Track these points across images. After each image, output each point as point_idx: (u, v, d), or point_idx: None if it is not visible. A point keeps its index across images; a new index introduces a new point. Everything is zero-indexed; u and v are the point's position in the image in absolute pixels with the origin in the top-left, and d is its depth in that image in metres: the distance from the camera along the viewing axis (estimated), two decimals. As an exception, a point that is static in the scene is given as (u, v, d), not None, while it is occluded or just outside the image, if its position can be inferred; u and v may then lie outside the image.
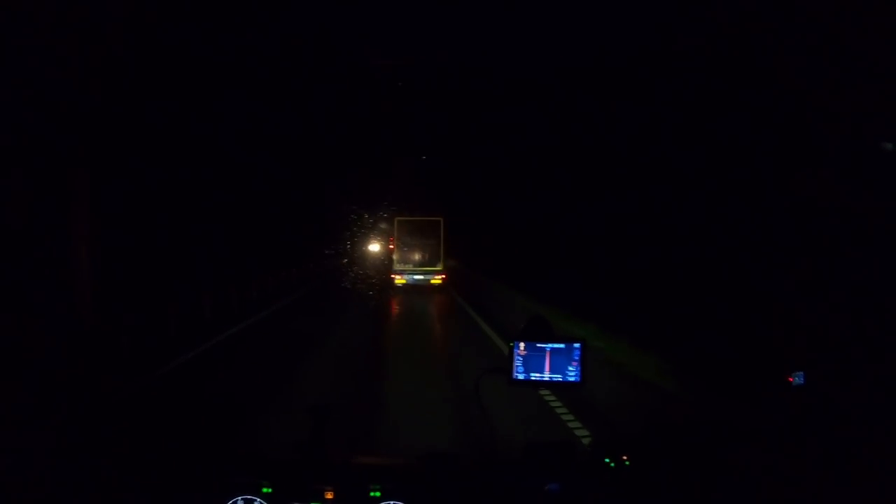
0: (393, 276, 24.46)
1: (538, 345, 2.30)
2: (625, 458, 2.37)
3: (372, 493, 2.15)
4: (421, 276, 24.73)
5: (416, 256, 25.10)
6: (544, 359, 2.30)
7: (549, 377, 2.30)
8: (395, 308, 19.97)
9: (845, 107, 2.53)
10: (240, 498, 2.15)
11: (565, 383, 2.32)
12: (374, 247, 26.31)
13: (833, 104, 2.57)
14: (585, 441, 5.84)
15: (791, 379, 2.60)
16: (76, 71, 1.94)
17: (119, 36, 1.98)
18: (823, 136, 2.75)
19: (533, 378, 2.31)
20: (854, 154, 2.75)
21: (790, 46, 2.24)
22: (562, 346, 2.28)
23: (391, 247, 24.63)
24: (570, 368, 2.29)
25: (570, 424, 6.82)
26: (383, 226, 25.17)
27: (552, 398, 7.16)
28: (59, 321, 2.11)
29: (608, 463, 2.35)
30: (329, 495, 2.14)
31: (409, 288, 24.69)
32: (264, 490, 2.14)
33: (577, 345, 2.28)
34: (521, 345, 2.31)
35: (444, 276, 24.52)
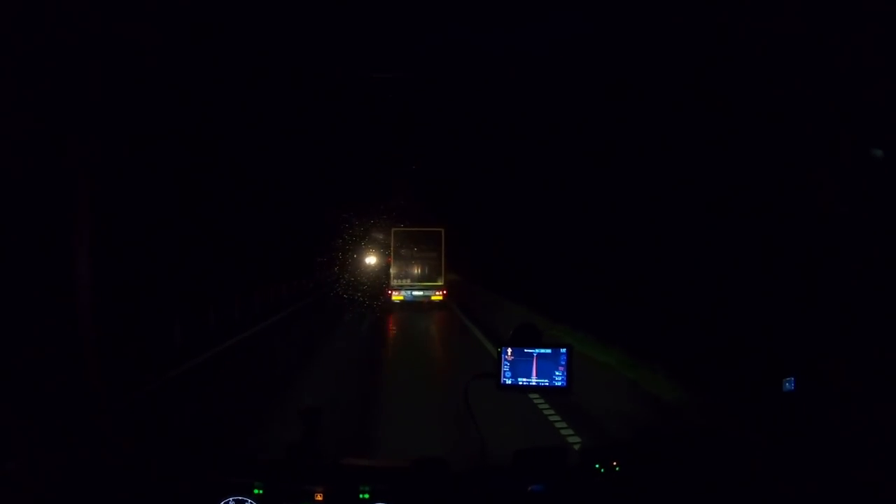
0: (389, 291, 22.60)
1: (525, 350, 2.39)
2: (615, 463, 2.44)
3: (361, 495, 2.21)
4: (420, 292, 22.83)
5: (415, 270, 23.24)
6: (531, 364, 2.39)
7: (537, 382, 2.39)
8: (392, 331, 17.98)
9: (835, 112, 2.61)
10: (231, 498, 2.22)
11: (552, 388, 2.40)
12: (371, 259, 24.47)
13: (822, 110, 2.65)
14: (577, 447, 5.79)
15: (782, 384, 2.67)
16: (80, 71, 2.03)
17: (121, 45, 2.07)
18: (814, 141, 2.84)
19: (521, 383, 2.39)
20: (845, 160, 2.83)
21: (778, 50, 2.33)
22: (548, 351, 2.36)
23: (390, 259, 23.13)
24: (557, 373, 2.38)
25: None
26: (380, 236, 23.61)
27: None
28: (57, 324, 2.18)
29: (598, 468, 2.42)
30: (319, 496, 2.21)
31: (407, 305, 22.74)
32: (255, 491, 2.21)
33: (563, 350, 2.37)
34: (509, 350, 2.40)
35: (444, 292, 22.80)
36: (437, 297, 22.78)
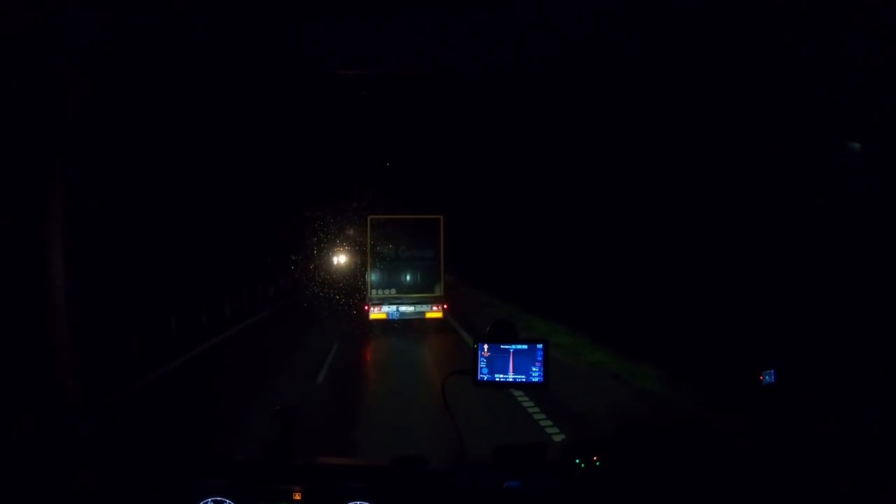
0: (367, 307, 17.08)
1: (502, 346, 2.45)
2: (595, 458, 2.49)
3: (339, 494, 2.25)
4: (410, 307, 17.08)
5: (403, 277, 17.54)
6: (508, 360, 2.45)
7: (514, 378, 2.46)
8: (371, 379, 12.80)
9: (812, 107, 2.68)
10: (210, 499, 2.28)
11: (529, 383, 2.44)
12: (341, 260, 19.72)
13: (799, 104, 2.72)
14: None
15: (762, 377, 2.73)
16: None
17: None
18: (791, 134, 2.89)
19: (497, 379, 2.45)
20: (822, 154, 2.89)
21: (756, 44, 2.39)
22: (524, 347, 2.41)
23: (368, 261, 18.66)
24: (534, 369, 2.44)
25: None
26: (353, 233, 19.22)
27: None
28: (32, 326, 2.23)
29: (578, 464, 2.46)
30: (297, 496, 2.26)
31: (392, 329, 17.69)
32: (234, 491, 2.24)
33: (539, 346, 2.44)
34: (486, 346, 2.45)
35: (445, 306, 17.27)
36: (435, 313, 17.14)
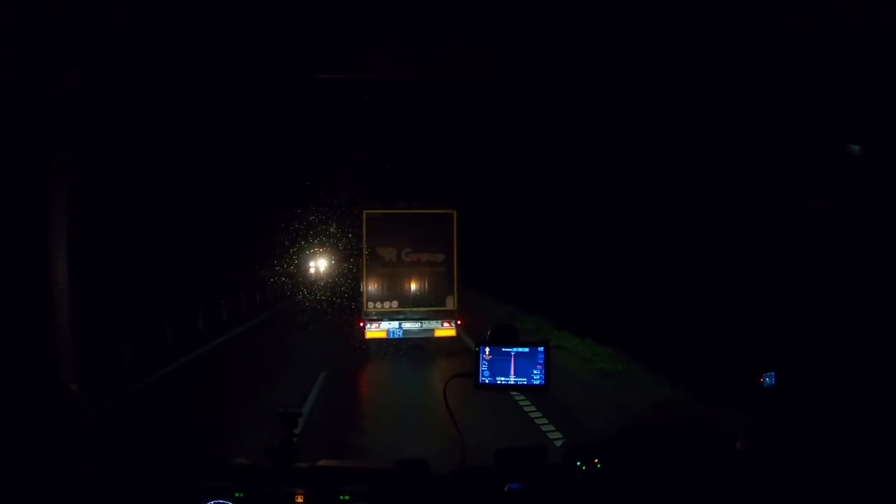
0: (362, 323, 14.49)
1: (503, 349, 2.47)
2: (596, 461, 2.51)
3: (342, 497, 2.28)
4: (416, 324, 14.21)
5: (408, 285, 14.66)
6: (509, 363, 2.47)
7: (515, 381, 2.50)
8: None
9: (810, 109, 2.71)
10: (212, 502, 2.28)
11: (531, 386, 2.47)
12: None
13: (797, 105, 2.75)
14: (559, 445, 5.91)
15: (762, 380, 2.76)
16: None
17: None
18: (790, 137, 2.93)
19: (499, 382, 2.48)
20: (821, 157, 2.93)
21: (757, 46, 2.42)
22: (526, 350, 2.44)
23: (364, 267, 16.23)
24: (535, 372, 2.48)
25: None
26: (352, 237, 16.74)
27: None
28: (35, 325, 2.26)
29: (580, 466, 2.49)
30: (300, 499, 2.29)
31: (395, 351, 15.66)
32: (236, 495, 2.28)
33: (540, 349, 2.48)
34: (487, 350, 2.47)
35: (459, 322, 14.45)
36: (447, 331, 14.22)
